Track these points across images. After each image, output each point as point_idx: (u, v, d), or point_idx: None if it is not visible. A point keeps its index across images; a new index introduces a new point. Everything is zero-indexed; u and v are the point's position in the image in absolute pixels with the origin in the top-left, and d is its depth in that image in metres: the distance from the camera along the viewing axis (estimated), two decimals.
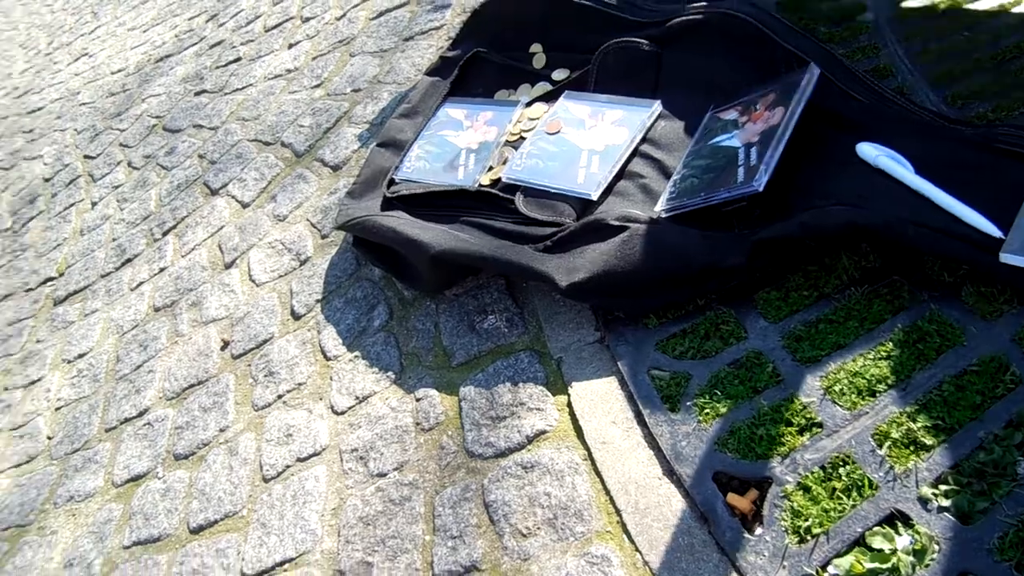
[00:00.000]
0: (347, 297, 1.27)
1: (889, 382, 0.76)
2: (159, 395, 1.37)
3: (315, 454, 1.09)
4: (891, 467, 0.71)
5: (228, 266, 1.53)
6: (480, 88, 1.39)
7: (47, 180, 2.35)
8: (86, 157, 2.31)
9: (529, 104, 1.29)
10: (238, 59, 2.19)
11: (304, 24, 2.11)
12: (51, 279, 1.91)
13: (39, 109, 2.88)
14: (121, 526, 1.21)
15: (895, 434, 0.73)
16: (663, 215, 0.98)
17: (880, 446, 0.73)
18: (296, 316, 1.31)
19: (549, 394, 0.95)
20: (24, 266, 2.04)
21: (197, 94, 2.17)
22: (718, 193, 0.94)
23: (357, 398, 1.11)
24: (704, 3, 1.16)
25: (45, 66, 3.26)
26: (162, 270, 1.66)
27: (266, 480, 1.11)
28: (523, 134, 1.25)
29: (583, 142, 1.15)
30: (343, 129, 1.63)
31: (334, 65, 1.85)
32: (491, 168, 1.23)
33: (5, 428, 1.58)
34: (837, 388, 0.78)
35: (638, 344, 0.93)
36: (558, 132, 1.18)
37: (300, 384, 1.20)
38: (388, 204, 1.27)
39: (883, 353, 0.79)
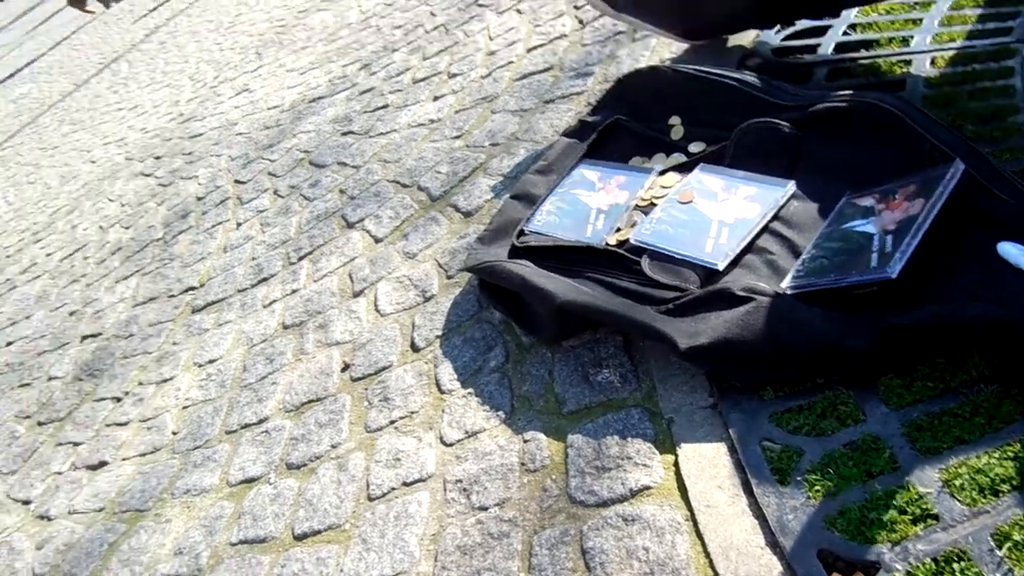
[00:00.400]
0: (466, 336, 1.33)
1: (1014, 483, 0.74)
2: (279, 406, 1.46)
3: (420, 480, 1.13)
4: (1010, 569, 0.69)
5: (356, 295, 1.62)
6: (616, 153, 1.44)
7: (199, 199, 2.56)
8: (237, 182, 2.51)
9: (663, 173, 1.34)
10: (385, 106, 2.34)
11: (450, 79, 2.24)
12: (192, 288, 2.07)
13: (199, 135, 3.15)
14: (230, 523, 1.29)
15: (1017, 536, 0.70)
16: (789, 291, 0.99)
17: (999, 547, 0.71)
18: (415, 348, 1.38)
19: (656, 452, 0.97)
20: (170, 274, 2.21)
21: (344, 134, 2.33)
22: (849, 276, 0.94)
23: (466, 432, 1.16)
24: (849, 92, 1.19)
25: (209, 97, 3.57)
26: (294, 291, 1.77)
27: (371, 499, 1.16)
28: (654, 200, 1.29)
29: (714, 213, 1.18)
30: (478, 179, 1.72)
31: (475, 119, 1.96)
32: (619, 229, 1.28)
33: (135, 419, 1.71)
34: (957, 483, 0.77)
35: (752, 414, 0.94)
36: (690, 202, 1.22)
37: (413, 412, 1.25)
38: (516, 253, 1.34)
39: (1010, 454, 0.77)
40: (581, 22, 2.10)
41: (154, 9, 7.08)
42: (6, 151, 5.20)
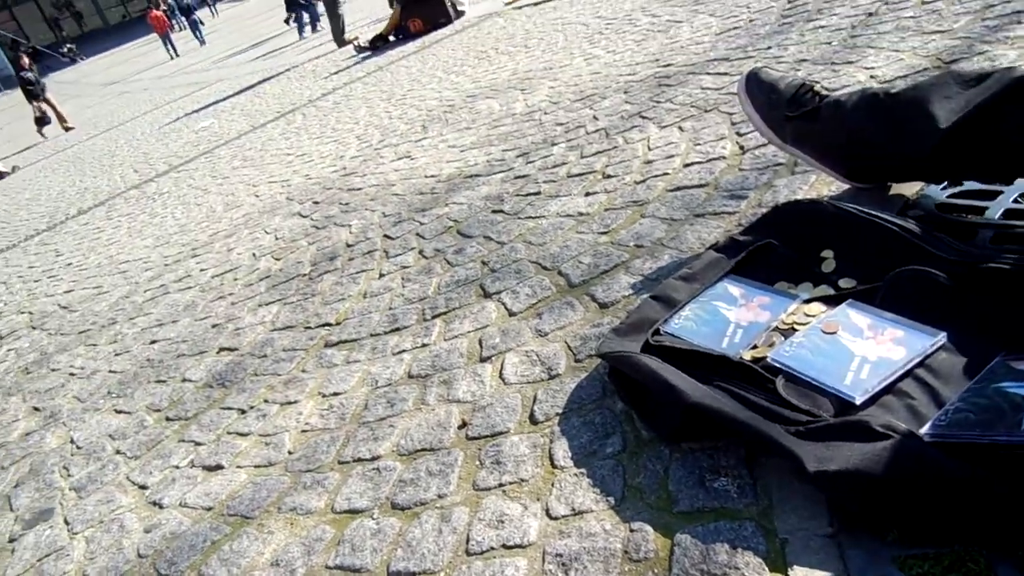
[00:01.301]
0: (586, 419, 1.37)
1: None
2: (393, 448, 1.53)
3: (520, 546, 1.16)
4: None
5: (483, 360, 1.69)
6: (762, 274, 1.48)
7: (349, 246, 2.75)
8: (386, 236, 2.68)
9: (808, 301, 1.36)
10: (537, 193, 2.47)
11: (604, 179, 2.35)
12: (328, 324, 2.20)
13: (358, 189, 3.39)
14: (329, 547, 1.34)
15: None
16: (927, 439, 0.98)
17: None
18: (534, 420, 1.43)
19: (766, 568, 0.96)
20: (309, 307, 2.37)
21: (494, 212, 2.47)
22: (995, 434, 0.93)
23: (573, 510, 1.18)
24: (1016, 256, 1.19)
25: (372, 157, 3.84)
26: (424, 345, 1.86)
27: (469, 553, 1.19)
28: (796, 326, 1.31)
29: (858, 349, 1.19)
30: (619, 275, 1.78)
31: (623, 220, 2.04)
32: (756, 347, 1.30)
33: (256, 432, 1.81)
34: None
35: (873, 552, 0.92)
36: (834, 333, 1.23)
37: (522, 480, 1.29)
38: (649, 349, 1.38)
39: None
40: (742, 148, 2.17)
41: (335, 73, 7.73)
42: (181, 173, 5.72)
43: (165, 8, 26.32)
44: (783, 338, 1.29)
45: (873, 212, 1.42)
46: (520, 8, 7.02)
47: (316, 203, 3.46)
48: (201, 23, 23.62)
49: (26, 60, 13.53)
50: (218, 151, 5.99)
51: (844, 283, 1.36)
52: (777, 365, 1.22)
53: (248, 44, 16.60)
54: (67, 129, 13.26)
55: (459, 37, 6.82)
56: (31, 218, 6.54)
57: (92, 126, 12.90)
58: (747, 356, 1.28)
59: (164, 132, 8.56)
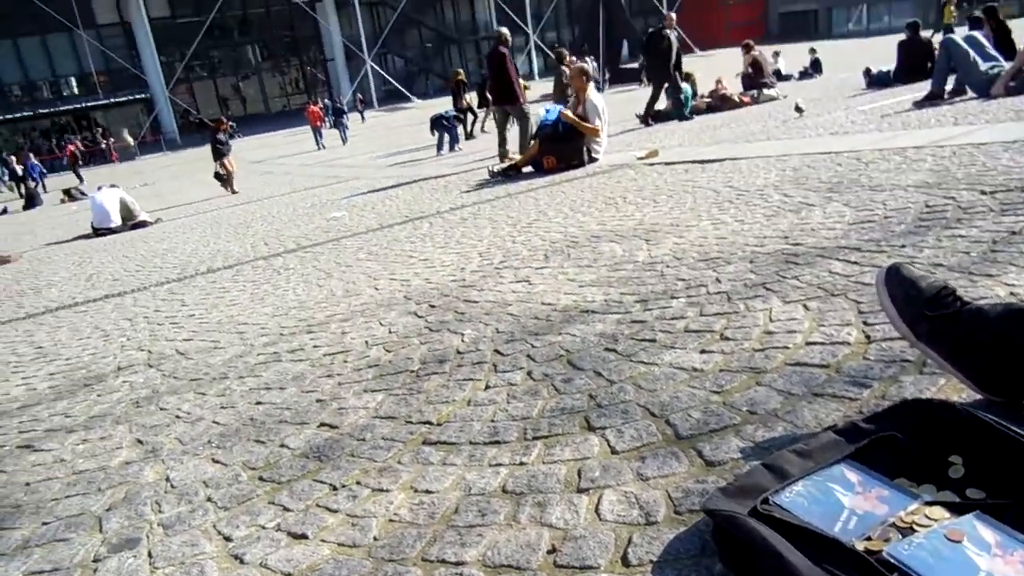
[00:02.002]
0: (681, 573, 1.35)
1: None
2: (479, 558, 1.53)
3: None
4: None
5: (580, 491, 1.70)
6: (883, 467, 1.45)
7: (459, 353, 2.84)
8: (497, 352, 2.76)
9: (931, 504, 1.32)
10: (652, 340, 2.51)
11: (722, 341, 2.38)
12: (430, 423, 2.26)
13: (475, 302, 3.52)
14: None
15: None
16: None
17: None
18: (626, 563, 1.41)
19: None
20: (413, 403, 2.44)
21: (607, 349, 2.52)
22: None
23: None
24: None
25: (491, 275, 4.00)
26: (522, 464, 1.89)
27: None
28: (915, 526, 1.27)
29: (983, 564, 1.14)
30: (728, 437, 1.78)
31: (738, 384, 2.05)
32: (870, 538, 1.27)
33: (344, 511, 1.85)
34: None
35: None
36: (959, 542, 1.19)
37: None
38: (757, 516, 1.36)
39: None
40: (868, 338, 2.17)
41: (466, 191, 8.16)
42: (308, 254, 6.08)
43: (323, 106, 28.72)
44: (900, 535, 1.25)
45: (1010, 426, 1.39)
46: (652, 164, 7.32)
47: (433, 306, 3.60)
48: (347, 126, 25.54)
49: (224, 125, 16.06)
50: (345, 241, 6.35)
51: (972, 493, 1.33)
52: (893, 561, 1.18)
53: (387, 151, 17.77)
54: (233, 192, 14.44)
55: (589, 180, 7.13)
56: (164, 266, 7.02)
57: (234, 196, 13.96)
58: (860, 546, 1.25)
59: (298, 214, 9.16)
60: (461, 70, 20.24)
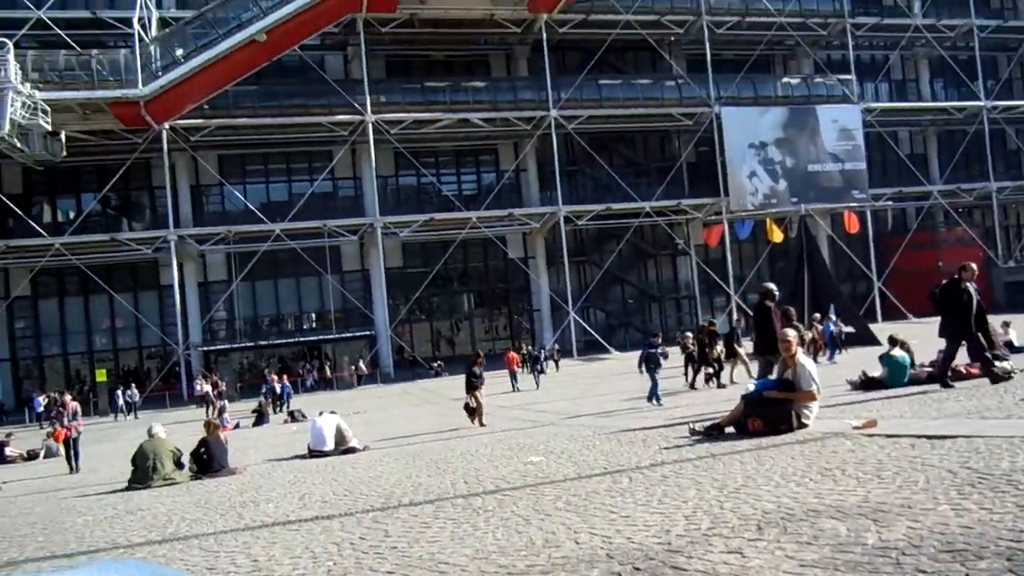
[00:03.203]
0: None
1: None
2: None
3: None
4: None
5: None
6: None
7: None
8: None
9: None
10: None
11: None
12: None
13: (683, 570, 3.33)
14: None
15: None
16: None
17: None
18: None
19: None
20: None
21: None
22: None
23: None
24: None
25: (699, 541, 3.80)
26: None
27: None
28: None
29: None
30: None
31: None
32: None
33: None
34: None
35: None
36: None
37: None
38: None
39: None
40: None
41: (666, 448, 8.01)
42: (506, 497, 6.13)
43: (525, 352, 30.28)
44: None
45: None
46: (871, 436, 6.84)
47: (637, 569, 3.45)
48: (543, 372, 26.43)
49: (480, 359, 16.30)
50: (543, 488, 6.36)
51: None
52: None
53: (584, 399, 18.07)
54: (481, 425, 14.80)
55: (800, 448, 6.77)
56: (370, 494, 7.34)
57: (433, 431, 14.63)
58: None
59: (495, 454, 9.37)
60: (715, 320, 20.63)
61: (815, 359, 16.68)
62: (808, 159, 40.20)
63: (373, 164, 35.45)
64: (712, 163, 40.01)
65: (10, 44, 27.03)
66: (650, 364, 15.47)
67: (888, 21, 43.12)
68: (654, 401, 14.79)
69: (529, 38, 38.67)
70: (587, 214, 38.38)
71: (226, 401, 25.19)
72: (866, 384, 12.12)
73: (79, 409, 22.94)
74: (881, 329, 24.11)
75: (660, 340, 17.12)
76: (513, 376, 26.00)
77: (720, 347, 17.60)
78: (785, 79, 43.34)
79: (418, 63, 41.18)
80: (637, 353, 20.74)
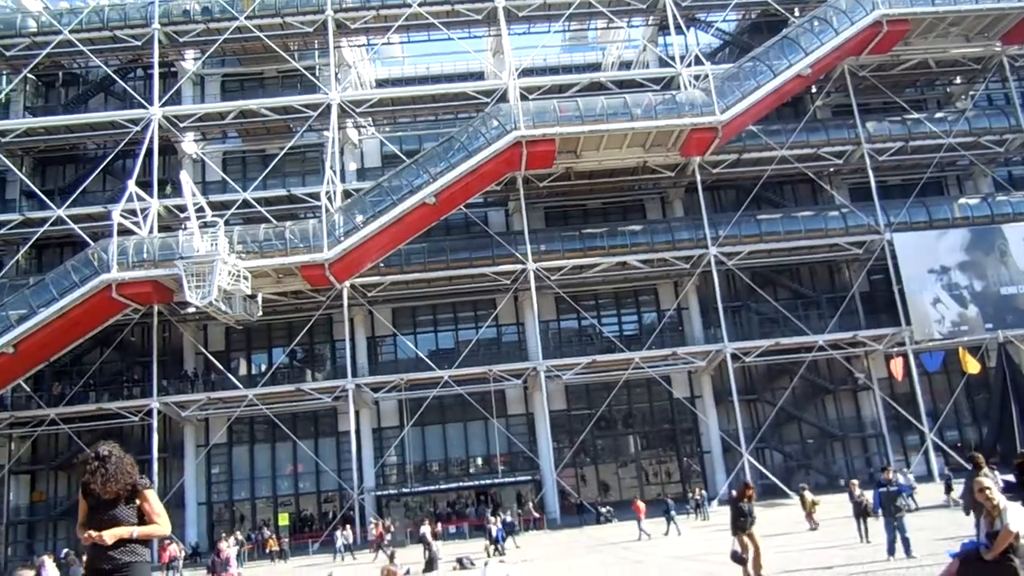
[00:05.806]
0: None
1: None
2: None
3: None
4: None
5: None
6: None
7: None
8: None
9: None
10: None
11: None
12: None
13: None
14: None
15: None
16: None
17: None
18: None
19: None
20: None
21: None
22: None
23: None
24: None
25: None
26: None
27: None
28: None
29: None
30: None
31: None
32: None
33: None
34: None
35: None
36: None
37: None
38: None
39: None
40: None
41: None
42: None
43: (697, 498, 28.86)
44: None
45: None
46: None
47: None
48: (675, 521, 24.34)
49: (750, 491, 12.78)
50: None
51: None
52: None
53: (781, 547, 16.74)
54: None
55: None
56: None
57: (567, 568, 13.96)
58: None
59: None
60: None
61: None
62: (1000, 281, 36.99)
63: (535, 310, 36.48)
64: (887, 291, 37.79)
65: (221, 222, 31.14)
66: (891, 507, 12.46)
67: None
68: (895, 556, 12.26)
69: (683, 181, 39.30)
70: (755, 350, 36.94)
71: (394, 549, 25.40)
72: None
73: (232, 557, 23.47)
74: None
75: (892, 476, 14.39)
76: (639, 522, 24.23)
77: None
78: (962, 200, 40.88)
79: (575, 211, 42.78)
80: (823, 497, 18.96)
